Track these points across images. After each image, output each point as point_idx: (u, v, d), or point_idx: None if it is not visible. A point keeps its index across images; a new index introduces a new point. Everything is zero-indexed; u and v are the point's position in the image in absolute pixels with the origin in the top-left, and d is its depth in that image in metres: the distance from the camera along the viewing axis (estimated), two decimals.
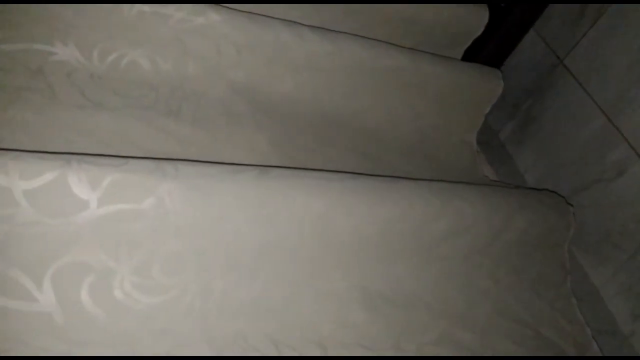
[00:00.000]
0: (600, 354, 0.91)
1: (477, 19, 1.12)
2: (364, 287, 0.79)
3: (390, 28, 1.07)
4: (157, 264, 0.66)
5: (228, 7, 0.91)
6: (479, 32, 1.15)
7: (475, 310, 0.86)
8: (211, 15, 0.88)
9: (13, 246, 0.60)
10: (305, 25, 0.96)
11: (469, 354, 0.80)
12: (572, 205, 1.03)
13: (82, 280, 0.63)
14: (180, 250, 0.67)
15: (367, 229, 0.79)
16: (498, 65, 1.26)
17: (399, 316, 0.79)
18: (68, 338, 0.60)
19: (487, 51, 1.21)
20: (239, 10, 0.91)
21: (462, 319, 0.84)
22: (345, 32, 0.99)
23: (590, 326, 0.95)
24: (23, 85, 0.79)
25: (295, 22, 0.96)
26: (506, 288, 0.90)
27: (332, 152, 0.98)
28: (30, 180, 0.58)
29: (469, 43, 1.17)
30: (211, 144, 0.86)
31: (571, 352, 0.89)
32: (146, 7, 0.84)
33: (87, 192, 0.60)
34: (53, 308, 0.61)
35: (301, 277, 0.75)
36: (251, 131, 0.92)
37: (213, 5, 0.89)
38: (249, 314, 0.70)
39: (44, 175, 0.59)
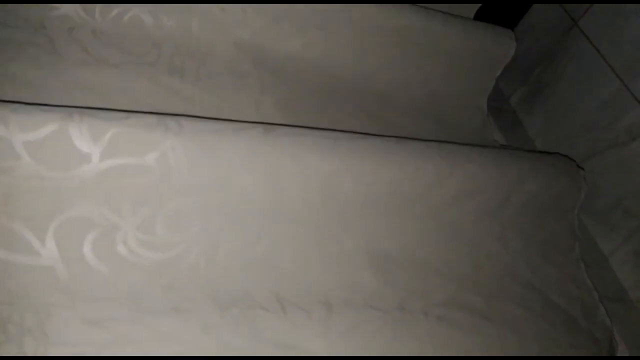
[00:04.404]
0: (607, 319, 0.91)
1: None
2: (371, 248, 0.78)
3: None
4: (161, 221, 0.65)
5: None
6: None
7: (483, 273, 0.85)
8: None
9: (15, 199, 0.59)
10: None
11: (476, 317, 0.79)
12: (583, 169, 1.02)
13: (85, 236, 0.62)
14: (185, 207, 0.66)
15: (376, 190, 0.78)
16: (511, 26, 1.22)
17: (406, 278, 0.79)
18: (71, 292, 0.60)
19: (500, 11, 1.18)
20: None
21: (470, 281, 0.83)
22: None
23: (598, 292, 0.94)
24: (24, 40, 0.77)
25: None
26: (515, 252, 0.89)
27: (340, 114, 0.96)
28: (31, 132, 0.57)
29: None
30: (215, 103, 0.85)
31: (578, 317, 0.89)
32: None
33: (89, 145, 0.59)
34: (56, 263, 0.60)
35: (308, 237, 0.74)
36: (257, 91, 0.90)
37: None
38: (255, 273, 0.69)
39: (44, 127, 0.57)
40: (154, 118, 0.64)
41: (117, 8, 0.83)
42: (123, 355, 0.58)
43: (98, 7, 0.82)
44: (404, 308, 0.75)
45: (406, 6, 0.99)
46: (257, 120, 0.85)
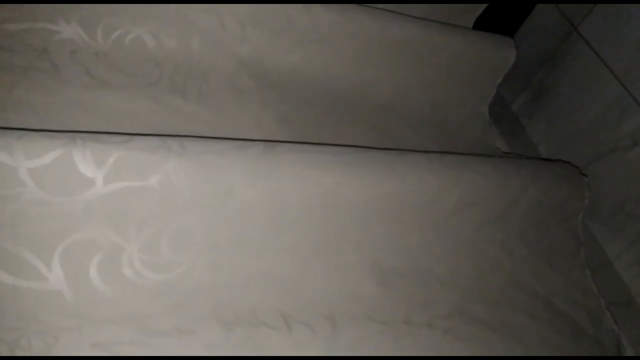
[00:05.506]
0: (614, 325, 0.90)
1: None
2: (374, 260, 0.79)
3: None
4: (165, 241, 0.66)
5: None
6: None
7: (488, 282, 0.85)
8: None
9: (21, 225, 0.60)
10: None
11: (481, 328, 0.79)
12: (586, 175, 1.02)
13: (91, 259, 0.63)
14: (188, 226, 0.67)
15: (378, 203, 0.78)
16: (510, 33, 1.23)
17: (410, 289, 0.79)
18: (79, 316, 0.61)
19: (499, 19, 1.18)
20: None
21: (474, 291, 0.83)
22: (352, 3, 0.97)
23: (604, 298, 0.94)
24: (28, 65, 0.78)
25: None
26: (519, 260, 0.89)
27: (341, 127, 0.97)
28: (35, 159, 0.58)
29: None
30: (217, 120, 0.86)
31: (584, 324, 0.88)
32: None
33: (93, 170, 0.60)
34: (63, 286, 0.61)
35: (311, 251, 0.75)
36: (258, 107, 0.91)
37: None
38: (259, 289, 0.70)
39: (49, 154, 0.58)
40: (156, 140, 0.65)
41: (118, 30, 0.84)
42: None
43: (100, 29, 0.83)
44: (409, 321, 0.76)
45: (405, 17, 1.00)
46: (258, 136, 0.86)
